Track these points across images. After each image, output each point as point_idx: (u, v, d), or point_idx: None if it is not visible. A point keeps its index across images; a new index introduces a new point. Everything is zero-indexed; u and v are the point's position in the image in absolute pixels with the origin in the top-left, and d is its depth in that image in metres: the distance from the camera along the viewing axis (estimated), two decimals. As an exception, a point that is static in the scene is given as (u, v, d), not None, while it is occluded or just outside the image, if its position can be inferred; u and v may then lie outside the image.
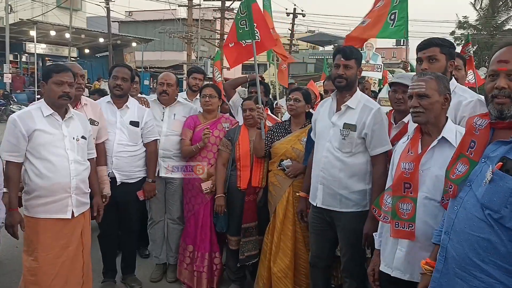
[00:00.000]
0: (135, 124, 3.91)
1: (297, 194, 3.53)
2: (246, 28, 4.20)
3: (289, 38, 31.43)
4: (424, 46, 2.80)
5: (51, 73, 3.02)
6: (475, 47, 36.71)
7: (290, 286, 3.65)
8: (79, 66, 3.66)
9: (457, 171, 1.89)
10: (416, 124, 2.44)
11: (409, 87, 2.41)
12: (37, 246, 2.96)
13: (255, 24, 4.19)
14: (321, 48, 49.31)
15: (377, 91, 6.56)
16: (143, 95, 4.73)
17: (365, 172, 3.06)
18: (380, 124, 3.01)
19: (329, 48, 46.55)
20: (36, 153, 2.96)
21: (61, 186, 2.99)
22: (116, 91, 3.87)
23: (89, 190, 3.28)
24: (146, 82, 25.40)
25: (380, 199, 2.51)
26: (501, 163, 1.69)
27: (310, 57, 44.76)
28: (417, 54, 2.88)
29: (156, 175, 4.10)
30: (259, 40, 4.26)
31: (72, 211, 3.06)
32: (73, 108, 3.50)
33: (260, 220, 3.90)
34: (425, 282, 2.05)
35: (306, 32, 46.93)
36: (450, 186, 1.90)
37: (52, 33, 23.35)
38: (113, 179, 3.82)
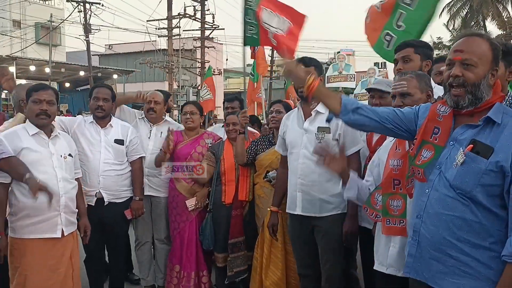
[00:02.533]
0: (120, 142, 3.86)
1: (268, 209, 3.50)
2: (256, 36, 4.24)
3: (270, 65, 31.76)
4: (399, 47, 2.92)
5: (30, 92, 3.01)
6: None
7: None
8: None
9: (423, 157, 1.94)
10: None
11: (392, 87, 2.46)
12: (25, 268, 2.88)
13: (276, 13, 4.15)
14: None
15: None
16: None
17: None
18: None
19: (309, 73, 47.21)
20: None
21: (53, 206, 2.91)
22: (98, 113, 3.82)
23: (76, 210, 3.21)
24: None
25: (371, 198, 2.51)
26: (471, 145, 1.77)
27: (292, 83, 45.31)
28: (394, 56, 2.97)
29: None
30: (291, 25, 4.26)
31: (62, 230, 3.00)
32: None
33: (247, 235, 3.85)
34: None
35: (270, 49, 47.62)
36: (418, 172, 1.94)
37: (32, 68, 23.29)
38: (99, 200, 3.75)
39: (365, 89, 3.86)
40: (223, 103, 5.10)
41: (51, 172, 2.98)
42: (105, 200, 3.77)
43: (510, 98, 2.39)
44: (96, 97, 3.82)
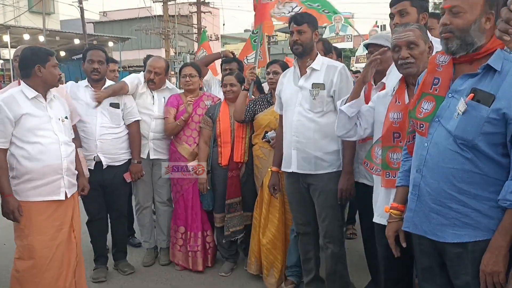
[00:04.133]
0: (115, 105, 3.86)
1: (269, 169, 3.51)
2: None
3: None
4: (395, 1, 2.85)
5: (47, 57, 3.01)
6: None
7: (279, 257, 3.66)
8: None
9: (424, 109, 1.93)
10: (396, 77, 2.46)
11: (394, 38, 2.39)
12: (31, 230, 2.92)
13: None
14: (299, 38, 49.35)
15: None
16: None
17: None
18: (346, 81, 3.08)
19: (307, 37, 46.61)
20: (24, 137, 2.91)
21: (53, 168, 2.96)
22: (94, 75, 3.79)
23: (77, 172, 3.24)
24: (126, 81, 25.09)
25: (371, 152, 2.52)
26: (472, 94, 1.75)
27: (289, 47, 44.76)
28: (390, 9, 2.92)
29: (146, 157, 4.07)
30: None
31: (65, 192, 3.04)
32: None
33: (244, 195, 3.88)
34: (394, 226, 2.12)
35: (284, 23, 46.91)
36: (421, 125, 1.93)
37: (26, 37, 22.87)
38: (98, 163, 3.77)
39: (363, 45, 3.80)
40: (221, 65, 5.04)
41: (53, 136, 2.99)
42: (104, 163, 3.79)
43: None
44: (90, 60, 3.77)
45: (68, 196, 3.06)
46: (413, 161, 2.00)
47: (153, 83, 4.10)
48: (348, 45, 7.44)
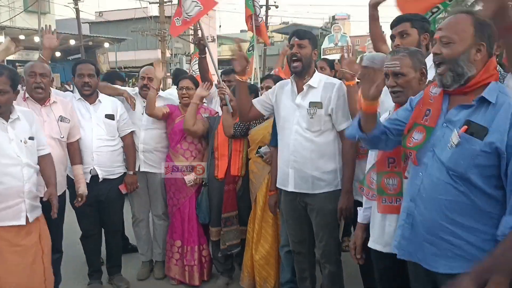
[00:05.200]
0: (110, 117, 3.82)
1: (268, 195, 3.50)
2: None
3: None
4: (395, 22, 2.84)
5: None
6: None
7: (272, 272, 3.64)
8: (42, 65, 3.45)
9: (414, 139, 1.94)
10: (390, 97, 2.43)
11: (384, 66, 2.40)
12: None
13: None
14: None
15: None
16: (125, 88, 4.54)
17: (334, 151, 3.07)
18: (344, 98, 3.04)
19: (304, 38, 46.65)
20: None
21: (14, 191, 2.80)
22: (86, 90, 3.74)
23: (41, 194, 3.06)
24: (121, 84, 25.00)
25: (367, 178, 2.50)
26: (466, 126, 1.75)
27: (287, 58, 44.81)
28: (391, 32, 2.91)
29: (137, 170, 4.02)
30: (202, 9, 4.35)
31: (27, 217, 2.87)
32: (42, 105, 3.40)
33: (240, 209, 3.85)
34: None
35: (280, 24, 47.00)
36: (410, 154, 1.95)
37: (21, 37, 22.77)
38: (94, 177, 3.73)
39: (359, 57, 3.78)
40: (221, 75, 5.01)
41: (15, 157, 2.81)
42: (100, 177, 3.75)
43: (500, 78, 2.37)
44: (81, 74, 3.73)
45: (30, 220, 2.89)
46: (407, 189, 2.00)
47: (147, 89, 4.05)
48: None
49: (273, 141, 3.48)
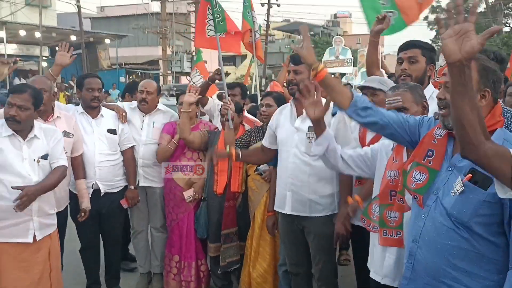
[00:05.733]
0: (112, 132, 3.86)
1: (266, 216, 3.51)
2: (221, 22, 4.32)
3: (264, 29, 31.25)
4: (405, 46, 2.83)
5: (9, 94, 2.90)
6: (448, 31, 37.26)
7: None
8: (43, 80, 3.46)
9: (416, 180, 1.93)
10: None
11: (386, 102, 2.43)
12: None
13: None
14: (298, 37, 49.34)
15: None
16: (118, 103, 4.59)
17: (332, 175, 3.08)
18: (344, 124, 3.06)
19: (305, 36, 46.54)
20: None
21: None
22: (95, 103, 3.79)
23: (55, 211, 3.12)
24: (122, 80, 25.04)
25: (368, 209, 2.51)
26: (470, 174, 1.74)
27: (286, 46, 44.75)
28: (398, 54, 2.91)
29: (136, 184, 4.03)
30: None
31: (34, 235, 2.89)
32: (45, 120, 3.40)
33: (240, 225, 3.87)
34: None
35: (281, 22, 46.91)
36: (415, 196, 1.93)
37: (22, 32, 22.79)
38: (96, 191, 3.76)
39: (358, 87, 3.78)
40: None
41: (25, 175, 2.84)
42: (102, 191, 3.78)
43: (509, 114, 2.37)
44: (90, 88, 3.77)
45: (38, 238, 2.91)
46: (410, 229, 1.99)
47: (146, 103, 4.07)
48: (347, 69, 7.34)
49: (273, 161, 3.50)
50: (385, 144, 2.59)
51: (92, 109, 3.82)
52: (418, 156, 1.96)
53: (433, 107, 2.53)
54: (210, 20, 4.42)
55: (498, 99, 1.87)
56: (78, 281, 4.16)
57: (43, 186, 2.86)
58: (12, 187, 2.71)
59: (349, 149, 2.60)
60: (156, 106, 4.18)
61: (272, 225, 3.46)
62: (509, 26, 36.98)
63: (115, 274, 4.14)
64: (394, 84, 2.81)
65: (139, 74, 29.62)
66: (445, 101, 1.84)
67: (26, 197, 2.70)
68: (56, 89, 3.51)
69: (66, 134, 3.47)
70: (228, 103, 3.81)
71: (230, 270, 3.92)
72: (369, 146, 3.00)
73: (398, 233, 2.31)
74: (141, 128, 4.09)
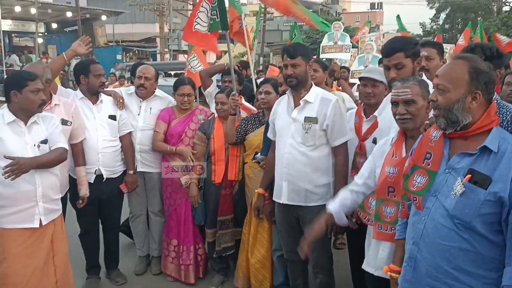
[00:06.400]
0: (113, 118, 3.90)
1: (256, 191, 3.53)
2: (217, 19, 4.20)
3: (263, 6, 30.87)
4: (388, 53, 2.78)
5: (25, 82, 2.91)
6: (448, 10, 36.97)
7: (268, 275, 3.75)
8: (36, 67, 3.39)
9: (417, 183, 1.95)
10: (390, 112, 2.49)
11: (393, 94, 2.43)
12: (5, 256, 2.89)
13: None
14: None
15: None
16: (116, 89, 4.58)
17: (328, 165, 3.13)
18: (340, 115, 3.08)
19: (304, 14, 46.11)
20: None
21: (26, 195, 2.89)
22: (101, 89, 3.88)
23: (60, 195, 3.19)
24: (119, 57, 24.83)
25: (365, 202, 2.55)
26: (470, 175, 1.77)
27: (285, 24, 44.30)
28: (383, 57, 2.88)
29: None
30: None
31: (40, 220, 2.96)
32: (43, 109, 3.40)
33: (236, 212, 3.93)
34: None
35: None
36: (414, 199, 1.96)
37: (17, 8, 22.48)
38: (98, 176, 3.81)
39: (358, 78, 3.77)
40: (221, 75, 5.00)
41: None
42: (104, 176, 3.83)
43: (495, 101, 2.36)
44: (99, 74, 3.84)
45: (44, 223, 2.98)
46: (410, 231, 2.01)
47: (144, 88, 4.08)
48: (346, 56, 7.29)
49: (264, 151, 3.57)
50: (381, 143, 2.62)
51: (93, 95, 3.84)
52: (418, 159, 1.98)
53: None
54: (201, 12, 4.36)
55: (492, 99, 1.88)
56: (77, 264, 4.22)
57: (36, 160, 2.88)
58: (5, 156, 2.74)
59: (353, 186, 2.64)
60: (154, 92, 4.19)
61: (256, 208, 3.49)
62: (509, 6, 36.68)
63: (114, 257, 4.22)
64: None
65: (136, 52, 29.37)
66: (436, 103, 1.86)
67: (17, 165, 2.71)
68: (50, 76, 3.48)
69: (64, 122, 3.47)
70: (237, 98, 3.79)
71: (225, 255, 4.00)
72: (365, 136, 3.06)
73: (393, 228, 2.35)
74: (138, 114, 4.11)
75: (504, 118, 2.19)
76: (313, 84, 3.21)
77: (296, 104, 3.15)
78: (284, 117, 3.19)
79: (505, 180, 1.73)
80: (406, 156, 2.32)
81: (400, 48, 2.73)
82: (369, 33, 8.41)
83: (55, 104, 3.51)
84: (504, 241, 1.77)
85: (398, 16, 9.40)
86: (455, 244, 1.80)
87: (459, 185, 1.79)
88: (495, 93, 2.35)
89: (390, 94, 2.58)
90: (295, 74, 3.07)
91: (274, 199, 3.29)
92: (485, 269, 1.79)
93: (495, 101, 2.29)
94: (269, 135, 3.39)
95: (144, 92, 4.11)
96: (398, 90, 2.37)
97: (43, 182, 2.96)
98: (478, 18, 34.65)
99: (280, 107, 3.27)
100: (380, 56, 6.44)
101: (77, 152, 3.62)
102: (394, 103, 2.39)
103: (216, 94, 4.04)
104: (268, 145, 3.50)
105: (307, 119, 3.06)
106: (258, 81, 5.45)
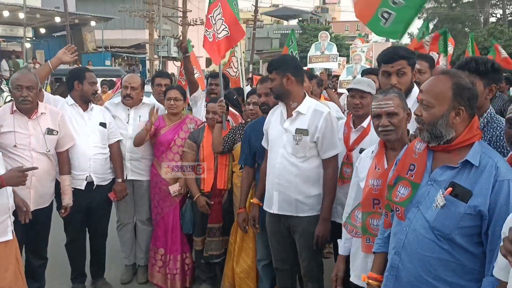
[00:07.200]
0: (103, 125, 3.90)
1: (251, 201, 3.54)
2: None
3: (252, 14, 31.03)
4: (391, 59, 2.78)
5: None
6: (435, 20, 37.43)
7: (253, 285, 3.75)
8: (29, 77, 3.35)
9: (400, 194, 1.99)
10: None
11: (374, 106, 2.46)
12: None
13: (223, 18, 4.22)
14: (285, 23, 49.15)
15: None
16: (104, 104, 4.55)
17: (318, 176, 3.13)
18: (331, 128, 3.09)
19: (294, 22, 46.43)
20: None
21: (4, 208, 2.84)
22: (93, 97, 3.94)
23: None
24: (108, 63, 24.74)
25: (351, 215, 2.57)
26: (451, 188, 1.81)
27: (274, 32, 44.60)
28: (379, 63, 2.88)
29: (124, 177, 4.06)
30: (229, 35, 4.28)
31: (12, 231, 2.91)
32: (29, 118, 3.39)
33: (225, 221, 3.93)
34: None
35: (270, 7, 46.65)
36: (397, 209, 1.99)
37: (5, 13, 22.34)
38: (89, 184, 3.79)
39: (346, 89, 3.79)
40: (207, 78, 5.01)
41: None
42: (95, 183, 3.82)
43: (488, 115, 2.40)
44: (93, 82, 3.88)
45: (13, 235, 2.93)
46: (392, 241, 2.04)
47: (131, 98, 4.08)
48: (333, 65, 7.36)
49: (241, 160, 3.60)
50: (363, 156, 2.66)
51: (85, 102, 3.85)
52: (402, 170, 2.01)
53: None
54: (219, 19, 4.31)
55: (475, 114, 1.92)
56: (63, 272, 4.19)
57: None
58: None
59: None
60: (141, 100, 4.19)
61: (252, 218, 3.49)
62: (496, 17, 37.30)
63: (101, 266, 4.19)
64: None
65: (125, 58, 29.28)
66: (421, 118, 1.90)
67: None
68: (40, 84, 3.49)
69: (49, 131, 3.45)
70: (223, 105, 3.82)
71: (211, 262, 3.99)
72: (353, 146, 3.09)
73: None
74: (127, 122, 4.10)
75: (494, 133, 2.23)
76: (306, 95, 3.21)
77: (289, 115, 3.15)
78: (277, 127, 3.20)
79: (485, 194, 1.76)
80: (389, 167, 2.36)
81: (403, 56, 2.76)
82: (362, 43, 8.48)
83: (41, 113, 3.47)
84: (484, 253, 1.80)
85: (425, 23, 9.28)
86: (435, 255, 1.84)
87: (441, 198, 1.82)
88: (489, 105, 2.41)
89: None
90: (267, 101, 3.20)
91: (265, 208, 3.29)
92: (466, 279, 1.83)
93: (489, 114, 2.34)
94: (263, 143, 3.40)
95: (131, 102, 4.11)
96: (380, 103, 2.41)
97: (11, 194, 2.91)
98: (466, 29, 35.28)
99: (274, 117, 3.28)
100: (368, 66, 6.51)
101: (63, 161, 3.60)
102: (377, 116, 2.43)
103: (208, 103, 4.05)
104: (245, 154, 3.55)
105: (298, 131, 3.06)
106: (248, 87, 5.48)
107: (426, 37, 5.66)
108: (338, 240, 2.76)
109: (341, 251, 2.71)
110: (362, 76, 4.27)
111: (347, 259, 2.69)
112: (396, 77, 2.75)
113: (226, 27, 4.23)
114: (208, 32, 4.26)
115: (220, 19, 4.23)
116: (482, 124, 2.34)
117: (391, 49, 2.90)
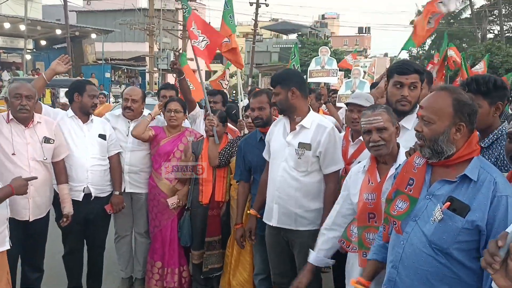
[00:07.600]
0: (103, 137, 3.89)
1: (248, 212, 3.53)
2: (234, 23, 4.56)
3: (252, 28, 31.27)
4: (406, 71, 2.77)
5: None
6: (433, 36, 37.78)
7: None
8: (28, 87, 3.38)
9: (398, 208, 1.99)
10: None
11: (364, 122, 2.49)
12: None
13: (199, 30, 4.36)
14: (284, 37, 49.46)
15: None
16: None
17: (319, 191, 3.12)
18: (334, 143, 3.08)
19: (293, 36, 46.75)
20: None
21: (2, 218, 2.84)
22: (93, 110, 3.90)
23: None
24: (108, 75, 24.82)
25: (347, 231, 2.57)
26: (449, 202, 1.81)
27: (274, 46, 44.83)
28: (392, 74, 2.83)
29: (122, 190, 4.05)
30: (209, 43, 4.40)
31: (9, 241, 2.91)
32: (25, 127, 3.39)
33: (223, 233, 3.92)
34: None
35: (269, 21, 46.98)
36: (394, 222, 2.00)
37: (7, 25, 22.46)
38: (86, 195, 3.78)
39: (344, 103, 3.84)
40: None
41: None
42: (93, 195, 3.80)
43: (499, 132, 2.39)
44: (93, 95, 3.87)
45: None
46: (389, 255, 2.04)
47: (131, 111, 4.09)
48: (333, 80, 7.40)
49: (236, 175, 3.60)
50: (354, 171, 2.68)
51: (85, 115, 3.84)
52: (401, 184, 2.02)
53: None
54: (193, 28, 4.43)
55: (474, 129, 1.93)
56: (58, 284, 4.16)
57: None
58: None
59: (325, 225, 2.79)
60: (142, 112, 4.20)
61: (239, 237, 3.49)
62: (493, 33, 37.60)
63: (97, 278, 4.16)
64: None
65: (125, 70, 29.40)
66: (421, 134, 1.91)
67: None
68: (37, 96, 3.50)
69: (46, 140, 3.46)
70: (212, 118, 3.84)
71: (212, 276, 3.96)
72: (351, 159, 3.10)
73: None
74: (127, 135, 4.10)
75: (502, 150, 2.21)
76: (311, 109, 3.21)
77: (292, 128, 3.14)
78: (280, 139, 3.20)
79: (483, 209, 1.77)
80: (382, 181, 2.39)
81: (417, 70, 2.78)
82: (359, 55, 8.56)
83: (37, 122, 3.47)
84: (481, 268, 1.79)
85: (446, 35, 9.33)
86: (432, 269, 1.84)
87: (438, 212, 1.83)
88: (499, 123, 2.41)
89: None
90: (275, 101, 3.12)
91: (264, 220, 3.28)
92: None
93: (500, 131, 2.34)
94: (264, 155, 3.39)
95: (131, 114, 4.12)
96: (369, 118, 2.45)
97: (7, 205, 2.89)
98: (464, 45, 35.55)
99: (277, 129, 3.27)
100: (366, 81, 6.55)
101: (59, 170, 3.59)
102: (367, 132, 2.45)
103: (207, 116, 4.05)
104: (241, 169, 3.57)
105: (301, 145, 3.05)
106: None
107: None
108: (310, 250, 2.76)
109: (311, 259, 2.71)
110: (371, 90, 4.31)
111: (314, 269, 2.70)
112: (408, 89, 2.75)
113: (204, 37, 4.33)
114: (196, 42, 4.36)
115: (198, 30, 4.35)
116: (490, 141, 2.35)
117: (405, 61, 2.96)
